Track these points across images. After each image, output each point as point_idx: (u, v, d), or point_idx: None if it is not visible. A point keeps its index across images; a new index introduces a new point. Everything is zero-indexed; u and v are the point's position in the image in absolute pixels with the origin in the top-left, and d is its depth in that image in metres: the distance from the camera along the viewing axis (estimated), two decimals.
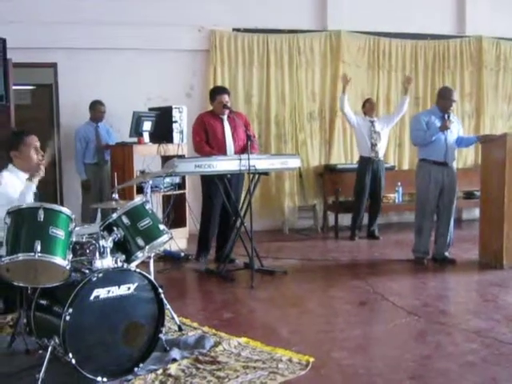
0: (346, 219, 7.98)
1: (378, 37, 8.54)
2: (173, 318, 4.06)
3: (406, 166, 8.76)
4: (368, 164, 7.45)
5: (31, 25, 7.29)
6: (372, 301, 4.88)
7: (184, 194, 6.98)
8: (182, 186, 6.97)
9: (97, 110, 7.34)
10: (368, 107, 7.56)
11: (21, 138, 3.92)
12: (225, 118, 6.03)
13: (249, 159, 5.36)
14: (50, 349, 3.12)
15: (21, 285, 3.26)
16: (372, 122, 7.48)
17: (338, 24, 8.35)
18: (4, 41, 6.30)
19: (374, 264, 6.31)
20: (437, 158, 5.94)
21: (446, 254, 6.10)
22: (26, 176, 3.93)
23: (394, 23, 8.49)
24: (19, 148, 3.89)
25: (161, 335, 3.42)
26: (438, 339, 3.90)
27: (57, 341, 3.09)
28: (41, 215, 3.15)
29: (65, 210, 3.29)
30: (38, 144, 3.97)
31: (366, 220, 7.79)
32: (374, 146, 7.43)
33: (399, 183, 8.10)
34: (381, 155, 7.54)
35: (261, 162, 5.64)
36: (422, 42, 8.72)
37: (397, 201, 8.15)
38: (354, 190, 7.62)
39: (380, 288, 5.14)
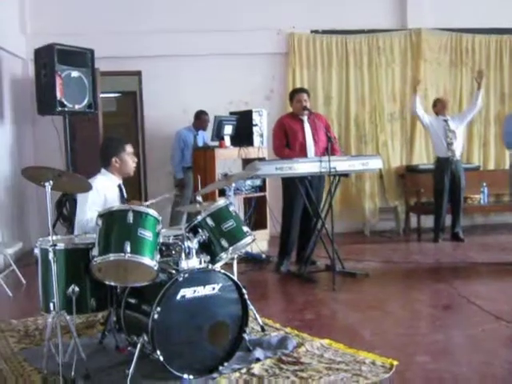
0: (428, 221, 7.80)
1: (460, 33, 8.33)
2: (256, 319, 4.10)
3: (491, 166, 8.48)
4: (445, 164, 7.28)
5: (117, 35, 7.60)
6: (457, 304, 4.76)
7: (265, 196, 7.05)
8: (262, 188, 7.04)
9: (202, 119, 7.51)
10: (439, 106, 7.42)
11: (122, 145, 4.14)
12: (305, 119, 6.03)
13: (329, 161, 5.35)
14: (138, 346, 3.23)
15: (111, 284, 3.42)
16: (446, 121, 7.31)
17: (419, 22, 8.20)
18: (92, 51, 6.58)
19: (459, 267, 6.12)
20: None
21: None
22: (117, 180, 4.12)
23: (477, 18, 8.23)
24: (120, 154, 4.09)
25: (244, 335, 3.47)
26: None
27: (145, 338, 3.20)
28: (130, 217, 3.28)
29: (152, 212, 3.40)
30: (133, 150, 4.20)
31: (449, 222, 7.59)
32: (450, 145, 7.25)
33: (484, 184, 7.84)
34: (458, 154, 7.34)
35: (341, 164, 5.61)
36: (508, 36, 8.42)
37: (482, 202, 7.89)
38: (433, 192, 7.47)
39: (465, 291, 4.98)
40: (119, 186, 4.18)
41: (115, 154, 4.09)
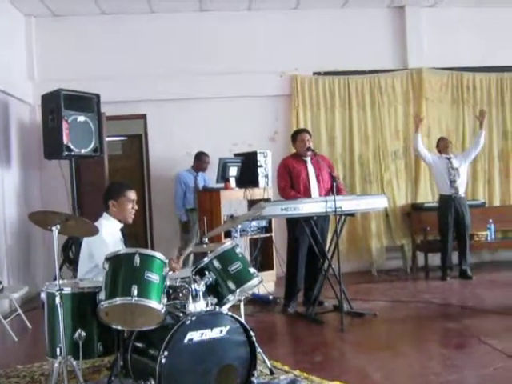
0: (436, 259, 7.74)
1: (460, 72, 8.43)
2: (264, 361, 4.05)
3: (497, 202, 8.46)
4: (448, 202, 7.31)
5: (121, 79, 7.74)
6: (468, 343, 4.69)
7: (271, 237, 7.04)
8: (268, 229, 7.04)
9: (202, 160, 7.55)
10: (442, 145, 7.51)
11: (122, 189, 4.14)
12: (308, 160, 6.06)
13: (335, 200, 5.36)
14: None
15: (118, 328, 3.39)
16: (449, 159, 7.38)
17: (419, 61, 8.32)
18: (98, 96, 6.68)
19: (468, 305, 6.02)
20: None
21: None
22: (119, 224, 4.13)
23: (476, 57, 8.36)
24: (118, 199, 4.10)
25: (253, 378, 3.43)
26: None
27: (153, 383, 3.16)
28: (137, 260, 3.28)
29: (159, 255, 3.41)
30: (135, 198, 4.18)
31: (457, 259, 7.53)
32: (452, 182, 7.30)
33: (491, 220, 7.83)
34: (461, 192, 7.37)
35: (347, 203, 5.60)
36: (508, 74, 8.51)
37: (489, 238, 7.85)
38: (438, 230, 7.46)
39: (476, 330, 4.92)
40: (121, 230, 4.18)
41: (113, 198, 4.10)
